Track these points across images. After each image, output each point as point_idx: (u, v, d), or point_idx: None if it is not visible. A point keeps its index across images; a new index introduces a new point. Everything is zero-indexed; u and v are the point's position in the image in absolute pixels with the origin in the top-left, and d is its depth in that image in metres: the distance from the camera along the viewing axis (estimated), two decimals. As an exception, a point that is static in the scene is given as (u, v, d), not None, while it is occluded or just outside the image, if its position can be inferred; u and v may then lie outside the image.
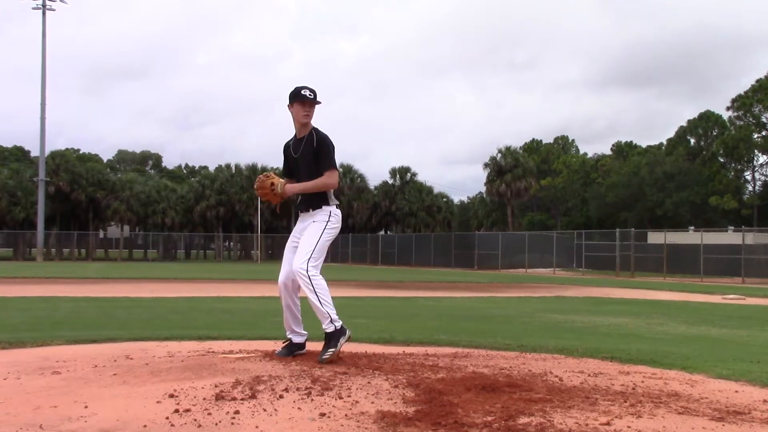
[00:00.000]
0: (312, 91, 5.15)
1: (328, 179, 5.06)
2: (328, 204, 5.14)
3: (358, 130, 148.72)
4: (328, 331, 4.86)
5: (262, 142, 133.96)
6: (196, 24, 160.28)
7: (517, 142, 66.56)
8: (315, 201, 5.12)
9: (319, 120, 5.19)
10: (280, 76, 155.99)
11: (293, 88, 5.16)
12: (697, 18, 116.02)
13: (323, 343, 4.91)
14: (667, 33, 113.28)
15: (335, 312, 4.92)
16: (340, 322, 4.91)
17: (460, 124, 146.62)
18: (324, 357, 4.81)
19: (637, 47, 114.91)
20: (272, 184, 5.17)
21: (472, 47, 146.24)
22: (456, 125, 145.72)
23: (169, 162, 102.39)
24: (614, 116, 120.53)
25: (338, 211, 5.20)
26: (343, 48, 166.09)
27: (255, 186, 5.26)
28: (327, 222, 5.08)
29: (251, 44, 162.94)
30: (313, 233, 5.04)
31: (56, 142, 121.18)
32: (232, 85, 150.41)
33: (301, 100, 5.10)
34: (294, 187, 5.14)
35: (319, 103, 5.14)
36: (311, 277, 4.87)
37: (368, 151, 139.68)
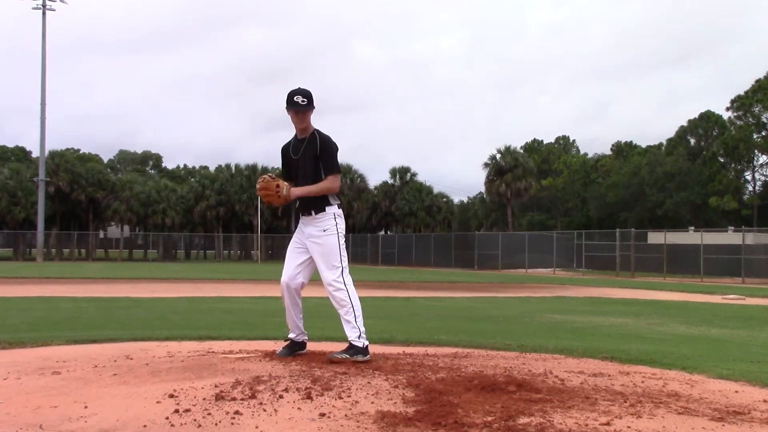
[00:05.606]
0: (306, 95, 4.93)
1: (332, 184, 4.94)
2: (330, 205, 5.01)
3: (358, 130, 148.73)
4: (355, 344, 4.78)
5: (262, 142, 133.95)
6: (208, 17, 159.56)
7: (517, 141, 66.67)
8: (317, 204, 4.99)
9: (322, 121, 5.12)
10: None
11: (288, 92, 4.96)
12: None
13: (345, 347, 4.86)
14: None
15: (364, 330, 4.86)
16: (367, 343, 4.86)
17: (460, 123, 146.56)
18: (336, 356, 4.78)
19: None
20: (278, 186, 4.98)
21: (478, 48, 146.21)
22: (456, 125, 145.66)
23: (171, 162, 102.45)
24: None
25: (341, 211, 5.08)
26: (352, 49, 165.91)
27: (258, 186, 5.05)
28: (336, 226, 4.97)
29: (266, 44, 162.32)
30: (331, 245, 4.92)
31: (61, 143, 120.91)
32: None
33: (294, 109, 4.93)
34: (298, 191, 4.96)
35: (312, 108, 4.96)
36: (349, 290, 4.83)
37: (368, 151, 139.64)
